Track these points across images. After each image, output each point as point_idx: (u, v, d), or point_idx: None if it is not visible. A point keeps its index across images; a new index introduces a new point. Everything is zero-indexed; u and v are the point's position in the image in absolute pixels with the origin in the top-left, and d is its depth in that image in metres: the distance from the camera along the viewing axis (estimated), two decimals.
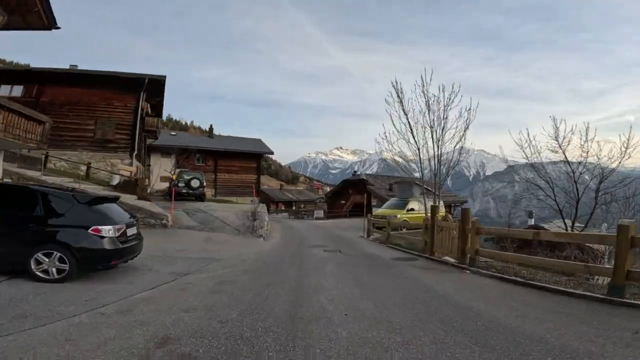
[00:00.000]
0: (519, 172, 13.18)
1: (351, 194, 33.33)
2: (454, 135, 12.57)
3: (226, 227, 12.17)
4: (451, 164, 12.77)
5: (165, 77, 23.84)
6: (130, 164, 19.29)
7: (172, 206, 11.74)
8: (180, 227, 11.64)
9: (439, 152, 12.68)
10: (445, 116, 12.50)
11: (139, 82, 20.47)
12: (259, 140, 38.13)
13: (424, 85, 12.72)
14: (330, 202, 36.37)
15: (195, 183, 17.54)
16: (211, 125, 35.85)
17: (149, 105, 24.99)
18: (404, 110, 13.12)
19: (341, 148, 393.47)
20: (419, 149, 12.93)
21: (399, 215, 15.99)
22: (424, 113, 12.76)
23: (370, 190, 27.04)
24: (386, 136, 13.30)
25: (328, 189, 57.69)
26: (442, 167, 12.76)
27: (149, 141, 27.85)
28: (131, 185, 14.55)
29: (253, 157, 33.99)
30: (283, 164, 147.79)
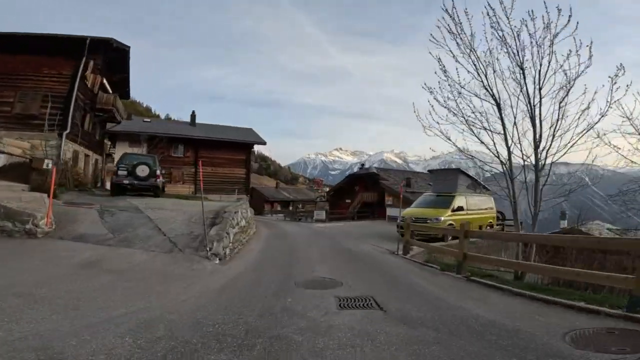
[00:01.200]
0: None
1: (358, 191, 27.78)
2: (557, 89, 7.25)
3: (155, 239, 6.74)
4: (556, 125, 7.36)
5: (128, 47, 18.68)
6: (59, 146, 13.94)
7: (50, 202, 6.34)
8: (64, 236, 6.23)
9: (539, 110, 7.34)
10: (550, 51, 7.17)
11: (78, 44, 15.18)
12: (250, 130, 32.64)
13: (496, 11, 7.43)
14: (333, 200, 30.81)
15: (142, 170, 11.89)
16: (193, 112, 30.34)
17: (104, 79, 19.59)
18: (459, 41, 7.77)
19: (341, 149, 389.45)
20: (498, 105, 7.56)
21: (442, 218, 10.63)
22: (507, 46, 7.44)
23: (385, 186, 21.57)
24: (447, 77, 7.95)
25: (328, 190, 52.21)
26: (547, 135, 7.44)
27: (109, 125, 22.50)
28: (23, 168, 9.20)
29: (241, 147, 28.51)
30: (282, 165, 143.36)
